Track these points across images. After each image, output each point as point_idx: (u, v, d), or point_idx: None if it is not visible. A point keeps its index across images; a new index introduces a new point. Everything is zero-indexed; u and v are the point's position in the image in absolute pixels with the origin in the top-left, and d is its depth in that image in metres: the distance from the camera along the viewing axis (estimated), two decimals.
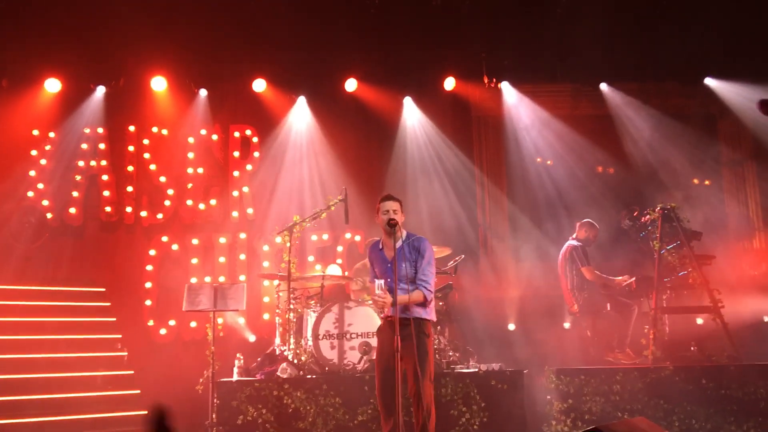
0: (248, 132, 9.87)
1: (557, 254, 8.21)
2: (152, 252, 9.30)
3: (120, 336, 8.44)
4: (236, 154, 9.81)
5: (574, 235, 8.17)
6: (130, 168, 9.52)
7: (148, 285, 9.18)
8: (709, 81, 9.94)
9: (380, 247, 5.38)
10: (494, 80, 10.03)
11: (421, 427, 5.06)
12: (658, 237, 7.51)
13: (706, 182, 10.06)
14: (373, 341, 6.48)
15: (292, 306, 7.30)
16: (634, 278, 7.78)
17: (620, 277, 7.84)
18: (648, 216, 7.75)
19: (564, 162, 9.88)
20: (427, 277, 5.22)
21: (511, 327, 9.21)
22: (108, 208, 9.35)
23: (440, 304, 7.48)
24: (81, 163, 9.38)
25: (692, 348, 7.37)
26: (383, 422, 5.24)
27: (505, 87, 10.04)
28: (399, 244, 5.19)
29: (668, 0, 9.33)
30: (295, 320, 7.34)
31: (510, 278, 9.55)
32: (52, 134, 9.36)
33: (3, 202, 8.97)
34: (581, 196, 9.66)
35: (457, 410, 6.62)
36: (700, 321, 8.06)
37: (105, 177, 9.42)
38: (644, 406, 6.67)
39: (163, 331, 9.03)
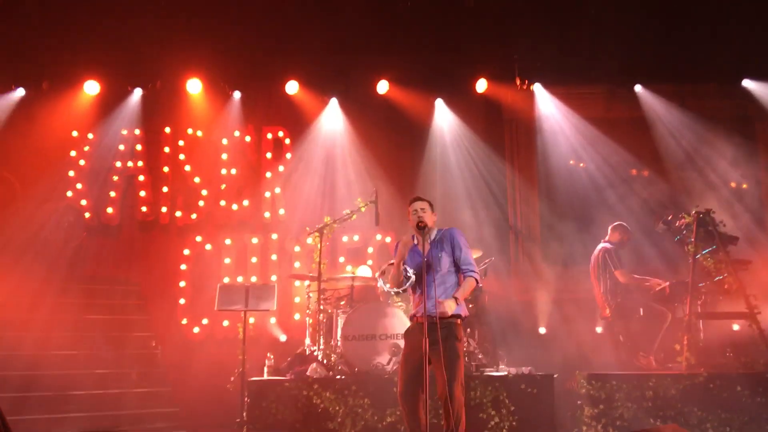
0: (281, 134, 9.98)
1: (589, 257, 8.13)
2: (186, 251, 9.45)
3: (154, 334, 8.59)
4: (269, 155, 9.92)
5: (606, 238, 8.08)
6: (166, 169, 9.69)
7: (182, 284, 9.33)
8: (746, 82, 9.74)
9: (415, 242, 5.36)
10: (526, 82, 9.98)
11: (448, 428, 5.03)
12: (693, 241, 7.38)
13: (744, 186, 9.85)
14: (401, 343, 6.48)
15: (322, 307, 7.35)
16: (668, 283, 7.66)
17: (655, 279, 7.73)
18: (683, 220, 7.61)
19: (597, 164, 9.77)
20: (470, 263, 5.18)
21: (542, 330, 9.14)
22: (144, 208, 9.54)
23: (470, 306, 7.44)
24: (118, 164, 9.58)
25: (727, 354, 7.23)
26: (407, 427, 5.16)
27: (538, 89, 9.98)
28: (431, 239, 5.20)
29: None
30: (325, 321, 7.39)
31: (541, 281, 9.48)
32: (90, 135, 9.58)
33: (43, 202, 9.19)
34: (614, 199, 9.54)
35: (486, 414, 6.59)
36: (736, 327, 7.89)
37: (141, 177, 9.61)
38: (677, 413, 6.55)
39: (196, 330, 9.16)
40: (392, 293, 5.23)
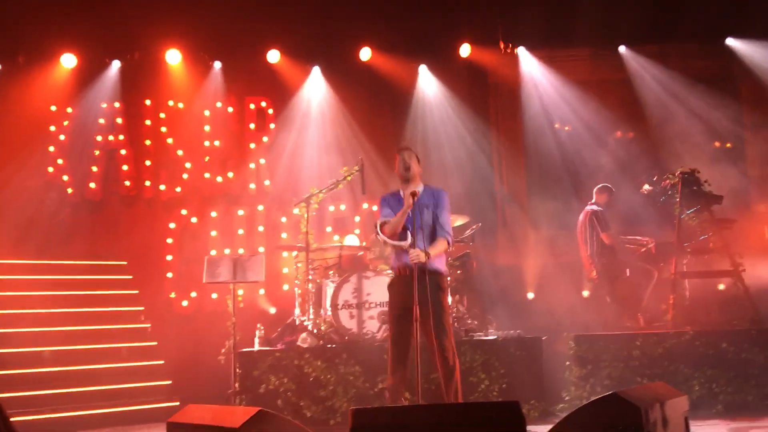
0: (263, 104, 9.88)
1: (575, 221, 8.16)
2: (172, 225, 9.40)
3: (143, 308, 8.59)
4: (252, 126, 9.83)
5: (592, 200, 8.11)
6: (148, 142, 9.58)
7: (169, 258, 9.30)
8: (730, 41, 9.72)
9: (401, 195, 5.37)
10: (510, 46, 9.90)
11: (447, 378, 5.09)
12: (678, 201, 7.43)
13: (728, 145, 9.90)
14: None
15: (310, 277, 7.36)
16: (654, 243, 7.72)
17: (640, 237, 7.79)
18: (668, 180, 7.66)
19: (582, 128, 9.76)
20: (448, 226, 5.26)
21: (530, 296, 9.21)
22: (127, 183, 9.44)
23: (458, 272, 7.48)
24: (99, 138, 9.45)
25: (713, 312, 7.33)
26: (390, 374, 5.19)
27: (522, 52, 9.91)
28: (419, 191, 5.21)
29: None
30: (314, 291, 7.40)
31: (528, 246, 9.53)
32: (69, 110, 9.42)
33: (24, 179, 9.07)
34: (600, 161, 9.56)
35: (476, 377, 6.66)
36: (721, 287, 7.99)
37: (123, 151, 9.49)
38: (664, 371, 6.65)
39: (184, 303, 9.15)
40: (391, 243, 5.19)
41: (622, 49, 9.87)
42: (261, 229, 9.56)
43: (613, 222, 7.98)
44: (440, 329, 5.05)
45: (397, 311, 5.18)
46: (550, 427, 4.00)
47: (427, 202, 5.23)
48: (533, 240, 9.54)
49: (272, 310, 9.16)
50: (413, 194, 4.96)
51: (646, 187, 8.01)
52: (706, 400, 6.54)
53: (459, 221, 7.56)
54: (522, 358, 6.76)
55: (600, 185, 8.14)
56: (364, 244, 8.80)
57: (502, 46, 9.88)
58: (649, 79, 9.76)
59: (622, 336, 6.92)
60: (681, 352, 6.71)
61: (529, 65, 9.90)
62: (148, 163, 9.52)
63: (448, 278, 7.01)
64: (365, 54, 9.68)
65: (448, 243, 5.23)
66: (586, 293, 8.66)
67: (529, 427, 3.53)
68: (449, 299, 5.23)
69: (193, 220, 9.45)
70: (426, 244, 5.07)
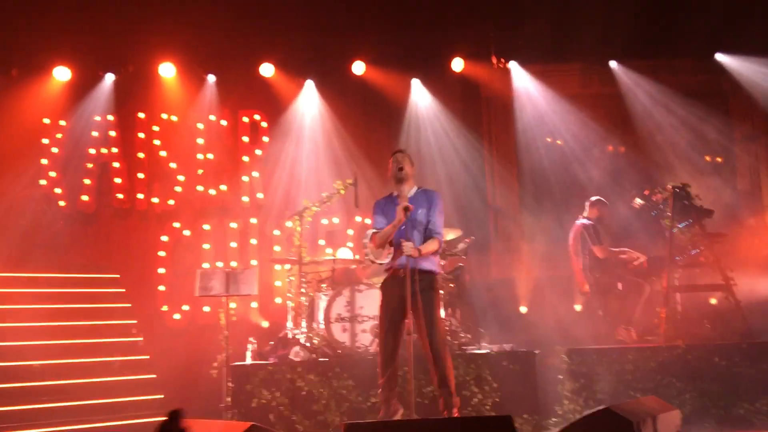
0: (257, 117, 9.90)
1: (568, 234, 8.19)
2: (164, 238, 9.38)
3: (135, 321, 8.54)
4: (245, 139, 9.84)
5: (584, 214, 8.14)
6: (141, 155, 9.57)
7: (162, 271, 9.27)
8: (720, 57, 9.82)
9: (395, 195, 5.44)
10: (503, 60, 9.97)
11: (441, 380, 5.11)
12: (670, 216, 7.48)
13: (718, 159, 9.98)
14: None
15: (303, 290, 7.35)
16: (645, 257, 7.76)
17: (632, 250, 7.83)
18: (659, 194, 7.71)
19: (574, 142, 9.82)
20: (440, 228, 5.34)
21: (523, 310, 9.22)
22: (120, 195, 9.42)
23: (451, 285, 7.50)
24: (92, 151, 9.43)
25: (705, 326, 7.36)
26: (380, 373, 5.28)
27: (514, 67, 9.98)
28: (412, 193, 5.34)
29: None
30: (306, 304, 7.39)
31: (521, 259, 9.55)
32: (62, 122, 9.41)
33: (17, 191, 9.04)
34: (592, 175, 9.61)
35: (469, 391, 6.66)
36: (713, 301, 8.03)
37: (116, 164, 9.48)
38: (656, 385, 6.67)
39: (177, 317, 9.12)
40: (377, 262, 5.32)
41: (613, 64, 9.95)
42: (254, 242, 9.55)
43: (604, 236, 8.01)
44: (432, 327, 5.11)
45: (388, 309, 5.25)
46: None
47: (421, 203, 5.30)
48: (526, 253, 9.56)
49: (265, 324, 9.13)
50: (406, 209, 5.02)
51: (638, 201, 8.06)
52: (699, 414, 6.55)
53: (451, 235, 7.59)
54: (515, 371, 6.76)
55: (593, 199, 8.18)
56: (357, 257, 8.81)
57: (494, 60, 9.95)
58: (640, 93, 9.83)
59: (615, 350, 6.93)
60: (673, 365, 6.72)
61: (522, 80, 9.96)
62: (141, 176, 9.51)
63: (449, 309, 7.08)
64: (359, 68, 9.73)
65: (440, 243, 5.31)
66: (578, 307, 8.68)
67: None
68: (441, 304, 5.25)
69: (186, 233, 9.43)
70: (418, 244, 5.17)
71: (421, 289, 4.97)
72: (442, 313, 5.25)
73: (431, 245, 5.23)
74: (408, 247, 4.98)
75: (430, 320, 5.10)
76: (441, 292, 5.28)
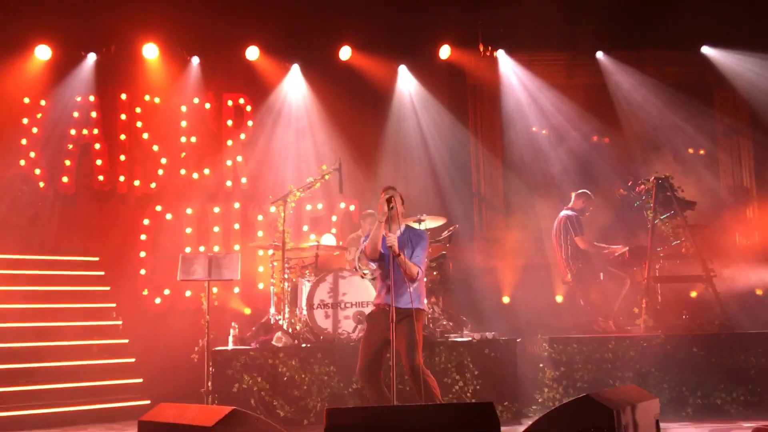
0: (241, 100, 9.80)
1: (552, 224, 8.22)
2: (146, 221, 9.28)
3: (115, 305, 8.46)
4: (229, 122, 9.75)
5: (569, 205, 8.17)
6: (123, 137, 9.44)
7: (143, 254, 9.18)
8: (706, 49, 9.87)
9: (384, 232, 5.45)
10: (490, 48, 9.94)
11: (426, 392, 5.16)
12: (652, 206, 7.52)
13: (701, 152, 10.04)
14: (367, 311, 6.51)
15: (286, 276, 7.32)
16: (627, 248, 7.81)
17: (614, 246, 7.87)
18: (642, 186, 7.75)
19: (559, 131, 9.84)
20: (419, 261, 5.33)
21: (506, 300, 9.25)
22: (101, 177, 9.30)
23: (434, 273, 7.50)
24: (73, 132, 9.29)
25: (684, 317, 7.43)
26: (371, 399, 5.42)
27: (501, 55, 9.96)
28: (399, 232, 5.33)
29: None
30: (289, 290, 7.36)
31: (505, 248, 9.57)
32: (43, 102, 9.25)
33: None
34: (576, 165, 9.64)
35: (450, 378, 6.68)
36: (693, 294, 8.11)
37: (97, 146, 9.34)
38: (636, 373, 6.74)
39: (157, 301, 9.05)
40: (366, 276, 5.36)
41: (599, 54, 9.97)
42: (237, 227, 9.49)
43: (587, 227, 8.05)
44: (413, 352, 5.16)
45: (371, 341, 5.33)
46: (523, 428, 4.04)
47: (406, 242, 5.33)
48: (510, 242, 9.58)
49: (247, 310, 9.09)
50: (388, 201, 5.09)
51: (621, 191, 8.09)
52: (677, 403, 6.64)
53: (436, 222, 7.58)
54: (496, 359, 6.80)
55: (580, 191, 8.19)
56: (341, 243, 8.78)
57: (481, 48, 9.92)
58: (626, 84, 9.86)
59: (595, 339, 6.99)
60: (652, 355, 6.80)
61: (508, 68, 9.95)
62: (122, 158, 9.39)
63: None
64: (345, 53, 9.66)
65: (418, 271, 5.28)
66: (559, 298, 8.72)
67: (503, 428, 3.55)
68: (421, 328, 5.32)
69: (168, 216, 9.34)
70: (400, 281, 5.22)
71: (402, 319, 5.13)
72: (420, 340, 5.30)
73: (411, 265, 5.24)
74: (391, 238, 5.02)
75: (413, 348, 5.18)
76: (420, 326, 5.32)
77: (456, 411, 3.70)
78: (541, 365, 6.99)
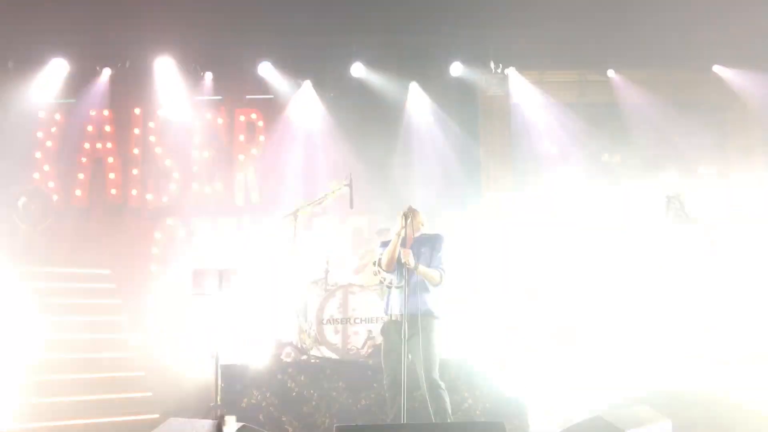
0: (254, 116, 9.87)
1: None
2: (158, 235, 9.33)
3: (125, 318, 8.48)
4: (242, 137, 9.81)
5: None
6: (136, 151, 9.53)
7: (154, 268, 9.21)
8: (718, 69, 9.86)
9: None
10: (501, 66, 9.97)
11: (437, 415, 5.16)
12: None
13: (714, 171, 9.98)
14: (376, 327, 6.50)
15: (296, 290, 7.31)
16: None
17: None
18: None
19: (570, 149, 9.82)
20: (442, 262, 5.39)
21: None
22: (113, 191, 9.37)
23: None
24: (87, 146, 9.39)
25: None
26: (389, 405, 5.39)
27: (512, 73, 9.98)
28: (416, 235, 5.42)
29: None
30: (299, 305, 7.35)
31: None
32: (57, 116, 9.35)
33: (9, 184, 8.98)
34: (586, 183, 9.61)
35: (459, 396, 6.63)
36: None
37: (110, 159, 9.43)
38: None
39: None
40: (387, 283, 5.38)
41: (611, 73, 9.98)
42: (248, 241, 9.51)
43: None
44: (431, 367, 5.19)
45: (389, 356, 5.35)
46: None
47: (424, 243, 5.39)
48: None
49: (256, 324, 9.06)
50: (405, 216, 5.11)
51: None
52: None
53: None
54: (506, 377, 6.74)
55: None
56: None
57: (492, 66, 9.95)
58: (637, 103, 9.85)
59: None
60: None
61: (519, 86, 9.96)
62: (135, 171, 9.47)
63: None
64: (357, 70, 9.72)
65: (440, 274, 5.35)
66: None
67: None
68: (441, 339, 5.27)
69: (180, 230, 9.38)
70: (420, 285, 5.27)
71: (420, 330, 5.13)
72: (441, 352, 5.29)
73: (431, 271, 5.32)
74: (407, 254, 5.03)
75: (432, 360, 5.21)
76: (439, 336, 5.30)
77: (467, 430, 3.69)
78: None
